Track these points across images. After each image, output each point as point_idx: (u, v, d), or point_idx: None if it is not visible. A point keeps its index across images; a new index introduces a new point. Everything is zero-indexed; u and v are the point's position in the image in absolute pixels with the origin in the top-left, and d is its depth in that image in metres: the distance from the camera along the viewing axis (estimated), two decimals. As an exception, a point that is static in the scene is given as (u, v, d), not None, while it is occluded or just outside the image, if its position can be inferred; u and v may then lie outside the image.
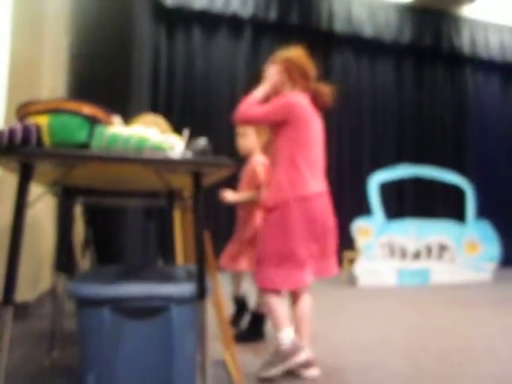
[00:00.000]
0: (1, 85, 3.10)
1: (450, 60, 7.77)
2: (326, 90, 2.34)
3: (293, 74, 2.25)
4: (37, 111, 1.33)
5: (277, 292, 2.05)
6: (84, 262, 3.21)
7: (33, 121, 1.31)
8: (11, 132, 1.24)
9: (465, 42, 7.58)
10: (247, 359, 2.27)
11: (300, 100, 2.13)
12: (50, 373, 1.98)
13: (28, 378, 1.91)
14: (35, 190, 1.69)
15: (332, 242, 2.24)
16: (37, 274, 3.17)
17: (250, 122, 2.21)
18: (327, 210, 2.17)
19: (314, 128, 2.15)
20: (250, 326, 2.75)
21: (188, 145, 1.52)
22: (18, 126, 1.26)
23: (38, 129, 1.29)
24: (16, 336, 2.52)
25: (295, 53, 2.32)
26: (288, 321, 2.06)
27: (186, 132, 1.61)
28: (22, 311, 2.89)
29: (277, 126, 2.11)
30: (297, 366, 2.00)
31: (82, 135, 1.32)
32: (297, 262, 2.01)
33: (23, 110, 1.37)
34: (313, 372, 2.04)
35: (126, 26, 3.85)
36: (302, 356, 1.99)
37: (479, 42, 7.66)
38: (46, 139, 1.29)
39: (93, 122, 1.35)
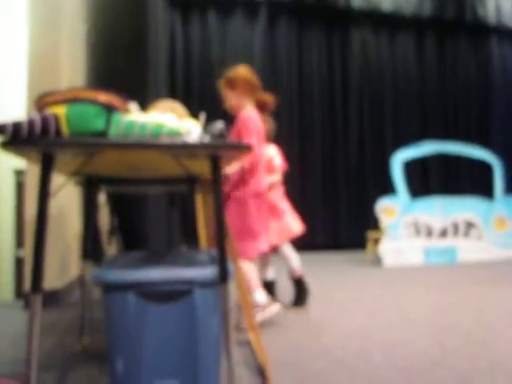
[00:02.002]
0: (21, 76, 3.15)
1: (473, 31, 7.51)
2: (270, 99, 2.82)
3: (240, 89, 2.63)
4: (55, 101, 1.34)
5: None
6: (110, 249, 3.27)
7: (51, 111, 1.32)
8: (30, 123, 1.25)
9: (490, 10, 7.30)
10: (272, 340, 2.29)
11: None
12: (82, 358, 2.03)
13: (60, 363, 1.97)
14: (60, 180, 1.72)
15: None
16: (65, 263, 3.25)
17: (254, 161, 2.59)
18: None
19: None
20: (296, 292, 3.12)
21: (205, 129, 1.52)
22: (37, 117, 1.27)
23: (57, 119, 1.30)
24: (47, 323, 2.59)
25: (240, 71, 2.66)
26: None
27: (203, 116, 1.60)
28: (52, 299, 2.97)
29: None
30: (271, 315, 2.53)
31: (99, 123, 1.32)
32: None
33: (42, 101, 1.38)
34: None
35: (141, 13, 3.84)
36: (275, 308, 2.55)
37: (505, 11, 7.37)
38: (65, 129, 1.30)
39: (109, 109, 1.35)
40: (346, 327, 2.57)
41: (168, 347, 1.45)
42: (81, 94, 1.33)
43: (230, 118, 2.68)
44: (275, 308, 2.57)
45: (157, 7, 4.61)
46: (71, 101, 1.33)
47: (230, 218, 2.44)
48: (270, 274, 3.14)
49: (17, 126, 1.22)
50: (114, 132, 1.34)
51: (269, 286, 3.07)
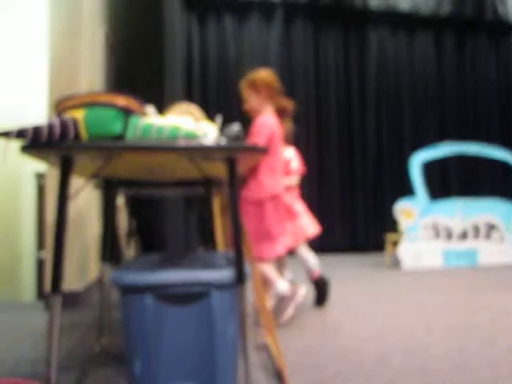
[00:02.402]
0: (42, 80, 3.21)
1: (493, 30, 7.38)
2: (290, 105, 2.81)
3: (263, 93, 2.64)
4: (73, 106, 1.36)
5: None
6: (129, 251, 3.30)
7: (70, 115, 1.34)
8: (50, 127, 1.27)
9: (510, 9, 7.17)
10: (289, 342, 2.28)
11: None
12: (100, 359, 2.05)
13: (79, 364, 2.00)
14: (80, 183, 1.75)
15: None
16: (85, 265, 3.29)
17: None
18: None
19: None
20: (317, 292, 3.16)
21: (221, 131, 1.52)
22: (57, 121, 1.29)
23: (75, 123, 1.32)
24: (67, 324, 2.63)
25: (264, 74, 2.67)
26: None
27: (219, 118, 1.61)
28: (72, 300, 3.01)
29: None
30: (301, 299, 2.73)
31: (116, 127, 1.34)
32: None
33: (61, 105, 1.40)
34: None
35: (158, 16, 3.88)
36: (302, 291, 2.74)
37: (526, 9, 7.23)
38: (83, 133, 1.31)
39: (127, 113, 1.36)
40: (364, 330, 2.54)
41: (185, 349, 1.45)
42: (99, 98, 1.35)
43: (247, 120, 2.69)
44: (302, 291, 2.72)
45: (174, 10, 4.65)
46: (89, 105, 1.34)
47: (247, 220, 2.43)
48: (287, 276, 3.13)
49: (37, 130, 1.24)
50: (132, 135, 1.35)
51: None
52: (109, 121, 1.33)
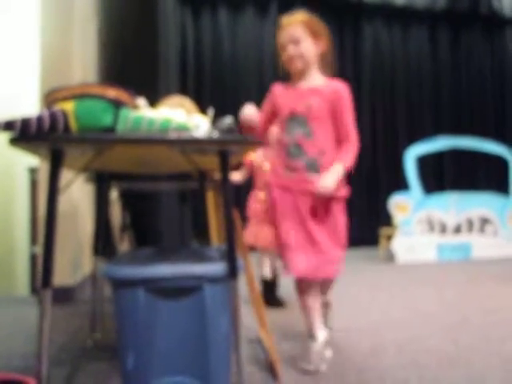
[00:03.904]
0: (34, 74, 3.17)
1: (488, 24, 7.37)
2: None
3: (323, 45, 1.94)
4: (63, 97, 1.34)
5: None
6: (123, 245, 3.29)
7: (60, 107, 1.32)
8: (39, 119, 1.25)
9: (505, 3, 7.16)
10: (282, 336, 2.28)
11: None
12: (93, 354, 2.05)
13: (72, 358, 1.99)
14: (71, 176, 1.73)
15: None
16: (78, 259, 3.28)
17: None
18: None
19: None
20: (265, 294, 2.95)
21: (214, 124, 1.51)
22: (46, 113, 1.28)
23: (65, 115, 1.30)
24: (60, 319, 2.62)
25: (309, 15, 1.96)
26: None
27: (211, 111, 1.59)
28: (65, 295, 3.00)
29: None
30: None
31: (107, 119, 1.32)
32: None
33: (50, 97, 1.38)
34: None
35: (152, 9, 3.84)
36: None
37: (521, 3, 7.23)
38: (73, 125, 1.30)
39: (117, 105, 1.35)
40: (357, 323, 2.55)
41: (178, 343, 1.45)
42: (89, 90, 1.33)
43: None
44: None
45: (168, 4, 4.61)
46: (79, 96, 1.33)
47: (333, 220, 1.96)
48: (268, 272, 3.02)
49: (25, 123, 1.23)
50: (122, 127, 1.33)
51: (269, 284, 3.02)
52: (99, 113, 1.31)
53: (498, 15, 7.19)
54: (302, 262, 1.83)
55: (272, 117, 2.04)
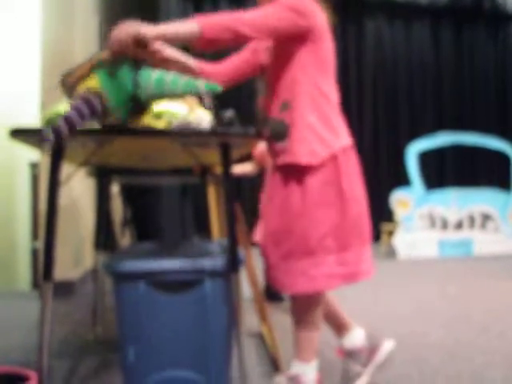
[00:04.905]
0: (35, 73, 3.16)
1: (491, 19, 7.33)
2: None
3: None
4: (81, 76, 1.22)
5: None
6: (124, 240, 3.29)
7: (85, 89, 1.22)
8: (78, 111, 1.15)
9: (508, -2, 7.13)
10: (284, 330, 2.28)
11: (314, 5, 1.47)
12: (94, 347, 2.05)
13: (73, 351, 1.99)
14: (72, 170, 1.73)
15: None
16: (80, 254, 3.28)
17: (237, 37, 1.34)
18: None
19: (331, 49, 1.53)
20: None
21: (215, 118, 1.50)
22: (80, 103, 1.19)
23: (97, 94, 1.21)
24: (61, 313, 2.62)
25: None
26: None
27: (212, 104, 1.58)
28: (67, 289, 3.00)
29: (284, 43, 1.43)
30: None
31: (129, 84, 1.23)
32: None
33: (68, 82, 1.26)
34: None
35: (153, 5, 3.83)
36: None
37: (524, -2, 7.19)
38: (107, 100, 1.21)
39: (137, 64, 1.25)
40: (359, 319, 2.54)
41: (179, 337, 1.45)
42: (103, 57, 1.24)
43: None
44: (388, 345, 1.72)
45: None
46: (99, 67, 1.23)
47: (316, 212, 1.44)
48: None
49: (69, 121, 1.15)
50: (145, 90, 1.25)
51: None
52: (124, 77, 1.25)
53: (502, 10, 7.15)
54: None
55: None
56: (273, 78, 1.49)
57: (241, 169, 2.99)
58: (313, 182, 1.41)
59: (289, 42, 1.42)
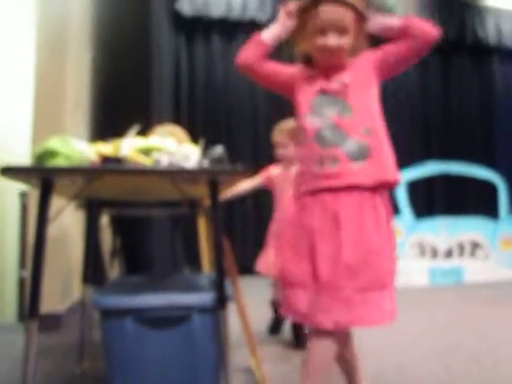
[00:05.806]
0: (27, 103, 3.19)
1: (475, 52, 7.57)
2: None
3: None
4: None
5: None
6: (113, 272, 3.27)
7: None
8: None
9: (490, 32, 7.37)
10: (273, 365, 2.26)
11: None
12: (81, 381, 2.02)
13: (60, 387, 1.96)
14: (62, 203, 1.73)
15: None
16: (67, 286, 3.25)
17: None
18: None
19: None
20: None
21: (204, 154, 1.53)
22: None
23: None
24: (48, 346, 2.57)
25: None
26: None
27: (202, 141, 1.62)
28: (54, 322, 2.95)
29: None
30: None
31: None
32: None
33: None
34: None
35: (145, 38, 3.91)
36: None
37: (505, 32, 7.44)
38: None
39: None
40: (350, 351, 2.53)
41: (167, 373, 1.44)
42: None
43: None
44: None
45: (161, 31, 4.69)
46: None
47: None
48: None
49: None
50: None
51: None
52: None
53: (484, 43, 7.38)
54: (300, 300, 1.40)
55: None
56: (357, 103, 1.54)
57: (248, 184, 2.70)
58: (383, 207, 1.46)
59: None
